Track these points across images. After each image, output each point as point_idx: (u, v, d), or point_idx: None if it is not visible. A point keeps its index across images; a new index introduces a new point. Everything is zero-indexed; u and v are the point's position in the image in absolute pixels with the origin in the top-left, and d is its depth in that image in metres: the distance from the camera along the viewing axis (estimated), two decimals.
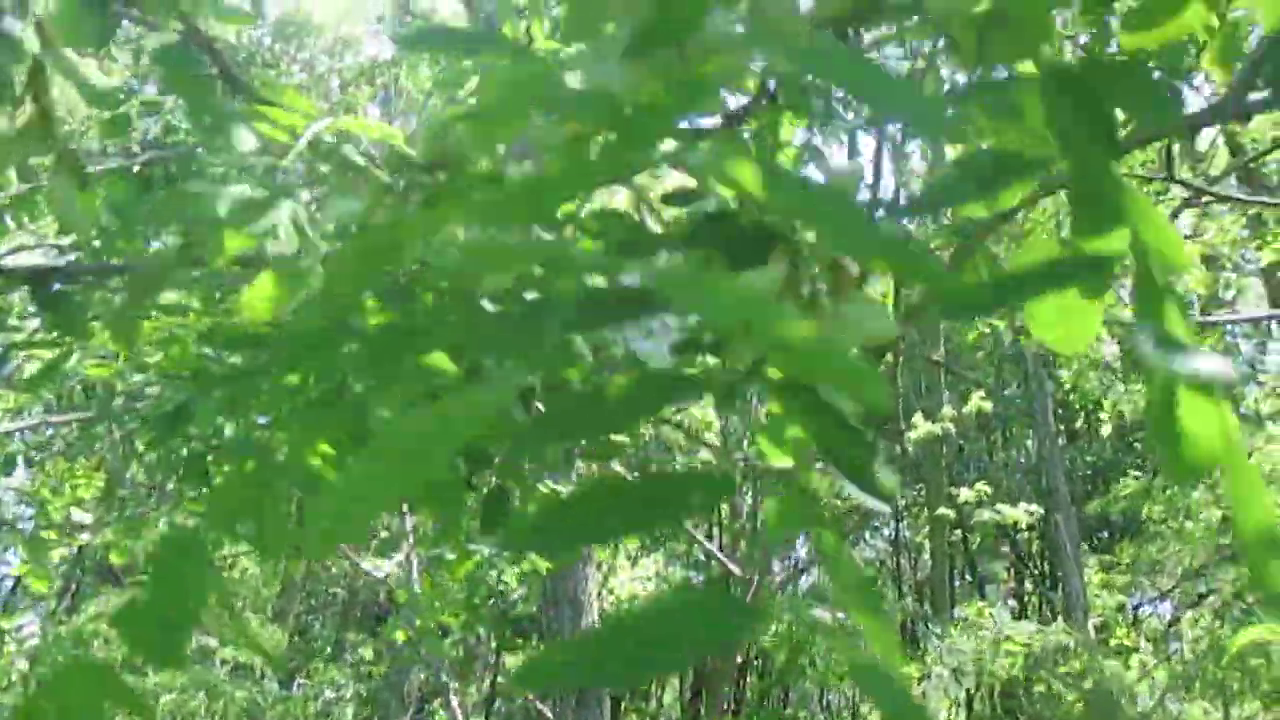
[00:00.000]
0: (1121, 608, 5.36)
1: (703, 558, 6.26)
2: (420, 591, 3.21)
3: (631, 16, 0.39)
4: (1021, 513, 6.28)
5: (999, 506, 6.30)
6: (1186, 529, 5.59)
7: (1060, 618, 5.33)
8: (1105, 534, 7.33)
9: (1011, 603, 7.63)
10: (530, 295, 0.48)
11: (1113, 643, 5.61)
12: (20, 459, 2.87)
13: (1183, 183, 2.45)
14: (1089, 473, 7.42)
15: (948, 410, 5.49)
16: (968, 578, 8.24)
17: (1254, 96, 0.48)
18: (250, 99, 0.82)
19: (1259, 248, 4.03)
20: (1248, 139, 3.36)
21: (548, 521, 0.32)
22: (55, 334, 1.27)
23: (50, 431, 3.14)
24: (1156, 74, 0.47)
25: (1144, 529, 5.68)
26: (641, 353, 0.36)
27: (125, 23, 0.82)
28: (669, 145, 0.46)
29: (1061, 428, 7.03)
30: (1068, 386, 5.28)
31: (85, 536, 3.14)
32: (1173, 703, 5.06)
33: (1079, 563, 6.02)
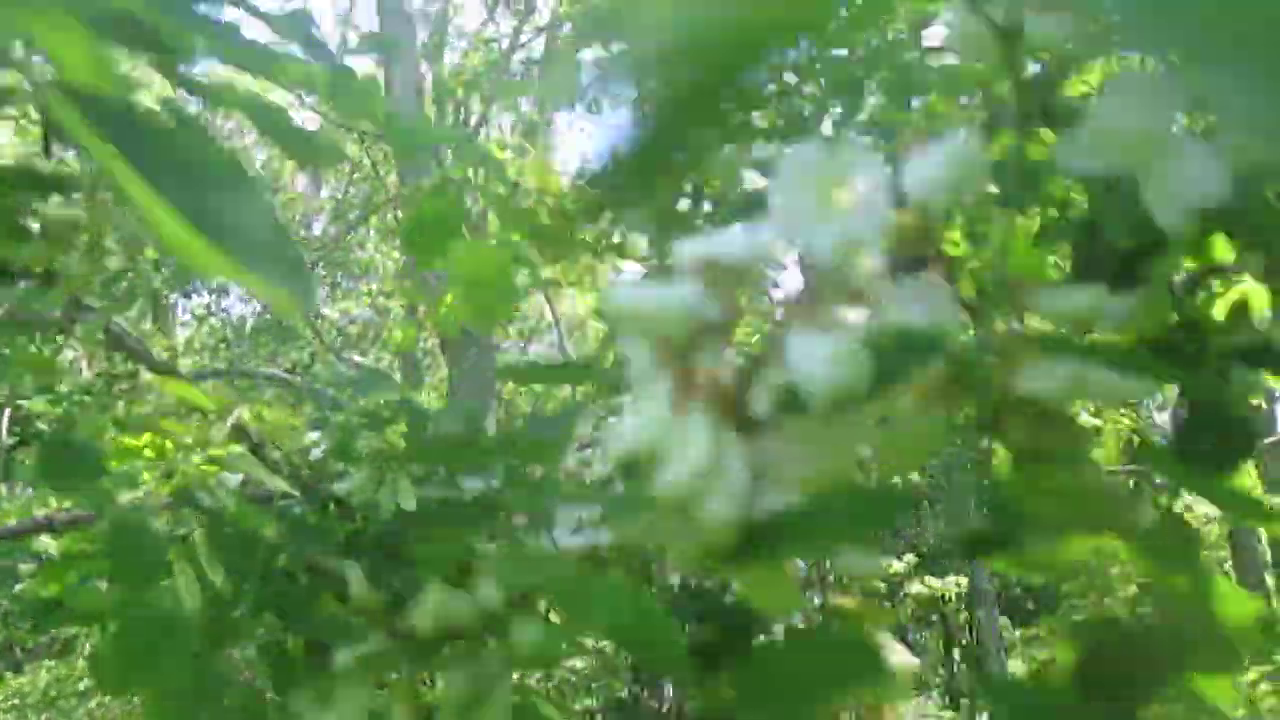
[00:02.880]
0: None
1: None
2: None
3: None
4: (951, 585, 6.35)
5: (928, 579, 6.36)
6: (1105, 605, 5.70)
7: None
8: (1029, 605, 7.45)
9: (943, 671, 7.68)
10: None
11: None
12: None
13: None
14: None
15: None
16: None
17: None
18: (157, 373, 0.80)
19: None
20: None
21: None
22: None
23: None
24: None
25: (1062, 603, 5.79)
26: None
27: None
28: None
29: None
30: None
31: None
32: None
33: (999, 644, 6.12)
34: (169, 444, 0.86)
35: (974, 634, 7.40)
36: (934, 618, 7.79)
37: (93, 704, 5.16)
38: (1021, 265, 0.40)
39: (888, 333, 0.32)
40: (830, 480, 0.33)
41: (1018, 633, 6.74)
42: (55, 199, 0.59)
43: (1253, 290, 0.41)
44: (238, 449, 0.79)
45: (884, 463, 0.36)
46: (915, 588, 6.42)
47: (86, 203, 0.59)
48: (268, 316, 6.80)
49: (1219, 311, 0.40)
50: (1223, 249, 0.39)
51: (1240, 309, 0.40)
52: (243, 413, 0.73)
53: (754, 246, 0.35)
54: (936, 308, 0.35)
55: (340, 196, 7.46)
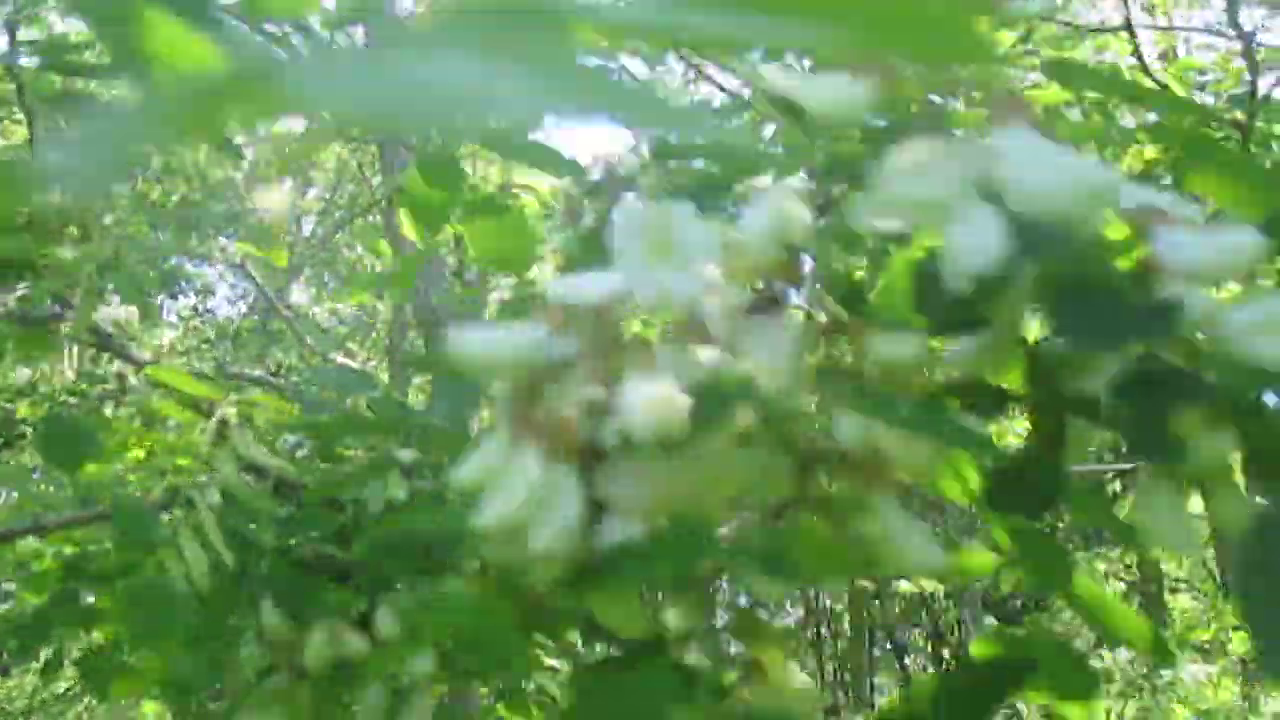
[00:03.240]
0: None
1: None
2: None
3: None
4: (937, 583, 6.39)
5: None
6: None
7: None
8: (1016, 604, 7.49)
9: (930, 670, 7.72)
10: None
11: None
12: None
13: None
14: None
15: None
16: (887, 645, 8.31)
17: None
18: (137, 370, 0.80)
19: None
20: None
21: None
22: None
23: None
24: None
25: (1050, 604, 5.81)
26: None
27: None
28: None
29: None
30: None
31: None
32: None
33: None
34: (156, 446, 0.86)
35: (961, 633, 7.47)
36: (922, 616, 7.85)
37: (80, 707, 5.12)
38: (887, 307, 0.42)
39: (705, 380, 0.35)
40: (668, 510, 0.36)
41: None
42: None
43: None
44: (235, 439, 0.79)
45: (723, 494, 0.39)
46: (903, 585, 6.44)
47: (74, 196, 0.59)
48: (254, 317, 6.78)
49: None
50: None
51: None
52: (230, 409, 0.73)
53: (604, 291, 0.37)
54: (778, 350, 0.38)
55: (328, 197, 7.45)
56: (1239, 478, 0.34)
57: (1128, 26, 2.08)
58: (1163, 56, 2.77)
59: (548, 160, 0.78)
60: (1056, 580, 0.44)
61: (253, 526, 0.73)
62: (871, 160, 0.38)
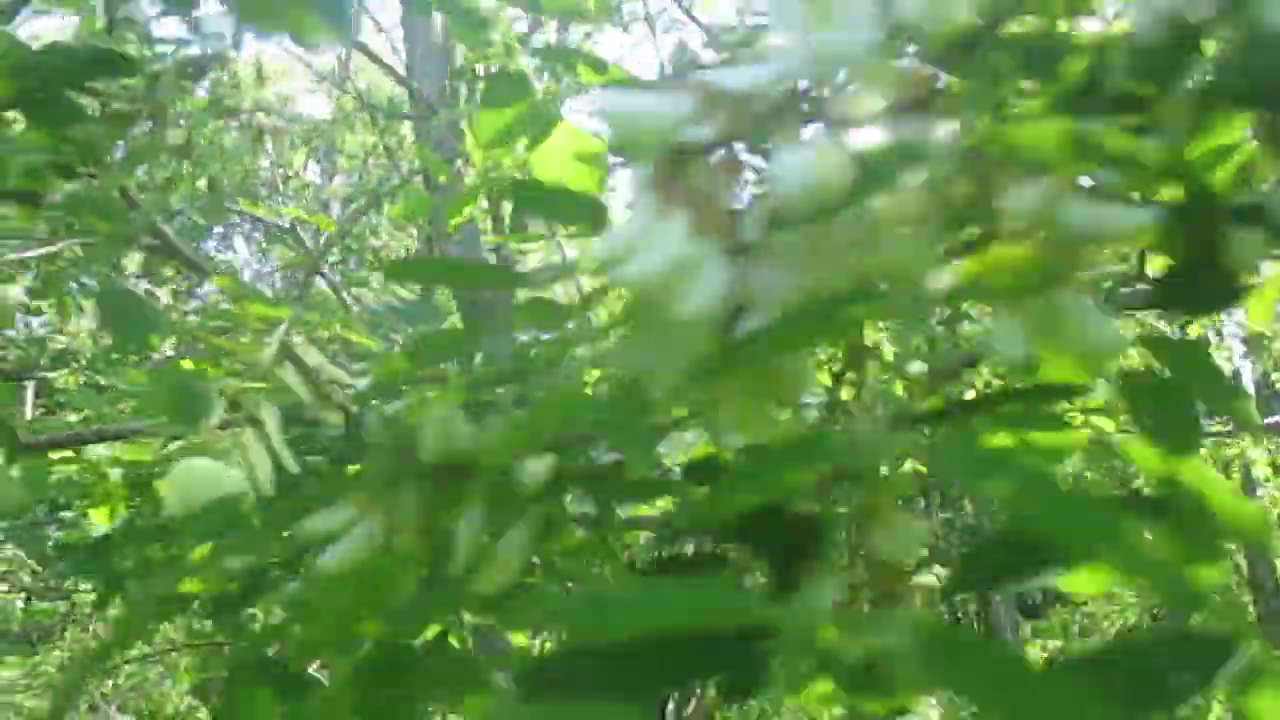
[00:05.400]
0: None
1: None
2: None
3: None
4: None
5: (936, 569, 6.32)
6: (1116, 592, 5.70)
7: None
8: (1039, 597, 7.45)
9: None
10: None
11: None
12: None
13: None
14: None
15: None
16: None
17: None
18: (203, 277, 0.79)
19: None
20: None
21: None
22: None
23: None
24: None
25: (1072, 598, 5.78)
26: None
27: None
28: None
29: None
30: None
31: None
32: None
33: (1014, 630, 6.12)
34: (217, 368, 0.86)
35: (984, 624, 7.44)
36: (942, 609, 7.81)
37: (93, 685, 5.14)
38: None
39: (872, 145, 0.33)
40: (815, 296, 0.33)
41: (1028, 626, 6.73)
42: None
43: (1258, 153, 0.42)
44: (299, 352, 0.78)
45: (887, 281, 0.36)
46: (924, 578, 6.38)
47: (147, 83, 0.58)
48: (290, 290, 6.78)
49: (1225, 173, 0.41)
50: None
51: (1245, 171, 0.41)
52: (293, 333, 0.72)
53: (754, 80, 0.35)
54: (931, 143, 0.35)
55: (356, 181, 7.45)
56: None
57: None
58: None
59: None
60: (1181, 444, 0.41)
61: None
62: None
